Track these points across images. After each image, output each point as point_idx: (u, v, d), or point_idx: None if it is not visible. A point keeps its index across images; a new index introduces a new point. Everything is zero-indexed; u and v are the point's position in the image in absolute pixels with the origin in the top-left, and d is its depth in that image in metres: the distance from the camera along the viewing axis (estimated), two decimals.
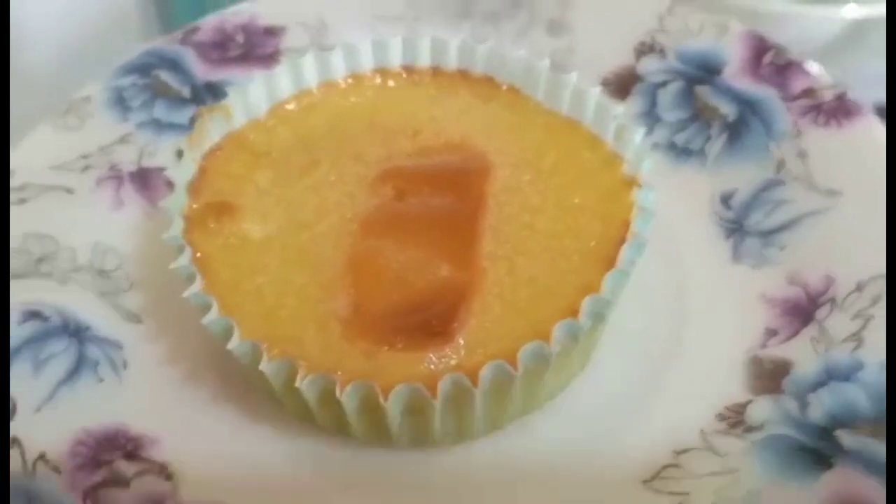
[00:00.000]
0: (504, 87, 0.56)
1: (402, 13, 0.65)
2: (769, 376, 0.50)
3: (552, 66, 0.54)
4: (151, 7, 0.81)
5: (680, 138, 0.60)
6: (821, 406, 0.47)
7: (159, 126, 0.61)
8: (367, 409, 0.45)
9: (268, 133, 0.55)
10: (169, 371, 0.53)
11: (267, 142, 0.54)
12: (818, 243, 0.53)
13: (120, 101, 0.62)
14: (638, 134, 0.51)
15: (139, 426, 0.50)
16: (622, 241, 0.47)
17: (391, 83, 0.57)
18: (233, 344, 0.45)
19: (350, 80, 0.57)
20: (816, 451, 0.46)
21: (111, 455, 0.48)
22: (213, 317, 0.46)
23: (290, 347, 0.45)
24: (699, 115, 0.60)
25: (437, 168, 0.52)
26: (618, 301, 0.49)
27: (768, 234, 0.55)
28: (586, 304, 0.45)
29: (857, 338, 0.49)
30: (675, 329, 0.53)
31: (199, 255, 0.49)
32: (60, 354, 0.52)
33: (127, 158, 0.60)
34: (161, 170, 0.58)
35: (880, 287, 0.50)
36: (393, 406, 0.44)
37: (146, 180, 0.59)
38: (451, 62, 0.57)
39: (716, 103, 0.60)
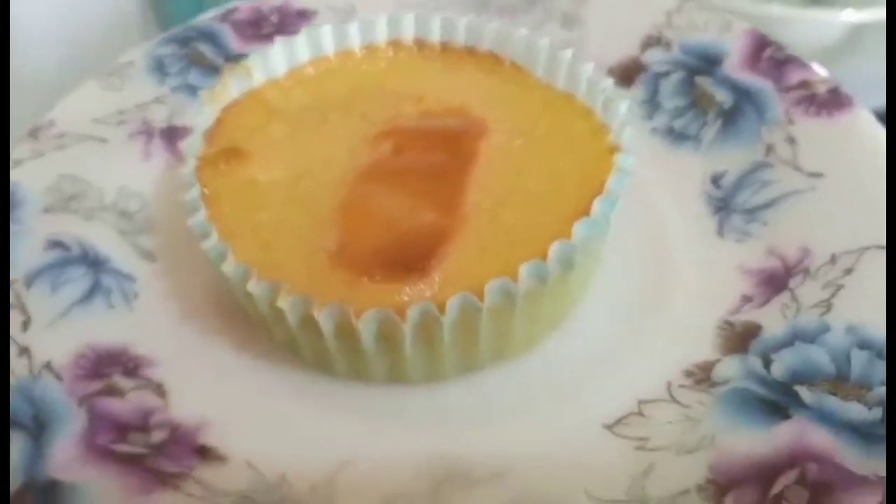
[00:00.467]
0: (507, 63, 0.59)
1: (424, 1, 0.70)
2: (739, 338, 0.51)
3: (573, 57, 0.57)
4: (151, 7, 0.85)
5: (678, 123, 0.62)
6: (783, 364, 0.48)
7: (192, 90, 0.66)
8: (343, 334, 0.48)
9: (284, 92, 0.59)
10: (174, 304, 0.56)
11: (282, 100, 0.59)
12: (798, 219, 0.55)
13: (159, 67, 0.67)
14: (623, 105, 0.53)
15: (141, 349, 0.54)
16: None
17: (402, 55, 0.61)
18: (227, 266, 0.49)
19: (364, 51, 0.61)
20: (775, 403, 0.47)
21: (111, 370, 0.52)
22: (212, 242, 0.50)
23: (278, 273, 0.49)
24: (697, 103, 0.62)
25: (436, 128, 0.56)
26: (594, 254, 0.51)
27: (753, 211, 0.57)
28: (554, 248, 0.47)
29: (826, 304, 0.50)
30: (654, 294, 0.55)
31: (206, 191, 0.53)
32: (77, 280, 0.56)
33: (159, 117, 0.65)
34: (188, 129, 0.62)
35: (852, 260, 0.51)
36: (365, 329, 0.47)
37: (174, 137, 0.64)
38: (460, 39, 0.61)
39: (713, 92, 0.62)
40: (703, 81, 0.63)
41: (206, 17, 0.71)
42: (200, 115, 0.56)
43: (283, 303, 0.47)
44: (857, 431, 0.44)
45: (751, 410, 0.47)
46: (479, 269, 0.48)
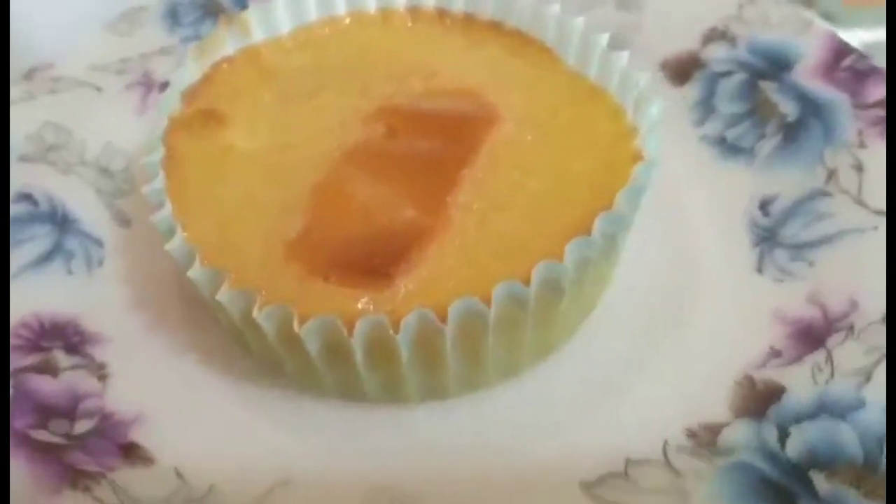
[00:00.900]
0: (535, 45, 0.52)
1: None
2: (757, 399, 0.43)
3: (611, 42, 0.49)
4: None
5: (731, 133, 0.54)
6: (802, 439, 0.40)
7: None
8: (285, 339, 0.42)
9: (283, 53, 0.53)
10: (138, 279, 0.52)
11: (279, 61, 0.52)
12: (852, 264, 0.46)
13: (172, 16, 0.62)
14: (655, 106, 0.45)
15: (91, 324, 0.49)
16: None
17: (421, 24, 0.54)
18: (172, 245, 0.43)
19: (380, 14, 0.54)
20: (783, 489, 0.39)
21: (52, 343, 0.48)
22: (162, 215, 0.44)
23: (229, 258, 0.43)
24: (757, 111, 0.54)
25: (436, 112, 0.49)
26: (597, 278, 0.44)
27: (800, 248, 0.48)
28: (538, 269, 0.40)
29: (866, 373, 0.41)
30: (668, 330, 0.47)
31: (173, 156, 0.47)
32: (38, 239, 0.52)
33: (162, 69, 0.60)
34: None
35: None
36: (307, 338, 0.40)
37: None
38: (486, 11, 0.53)
39: (778, 100, 0.53)
40: (768, 87, 0.54)
41: None
42: (183, 69, 0.50)
43: (223, 296, 0.41)
44: None
45: (752, 494, 0.39)
46: (452, 282, 0.42)
